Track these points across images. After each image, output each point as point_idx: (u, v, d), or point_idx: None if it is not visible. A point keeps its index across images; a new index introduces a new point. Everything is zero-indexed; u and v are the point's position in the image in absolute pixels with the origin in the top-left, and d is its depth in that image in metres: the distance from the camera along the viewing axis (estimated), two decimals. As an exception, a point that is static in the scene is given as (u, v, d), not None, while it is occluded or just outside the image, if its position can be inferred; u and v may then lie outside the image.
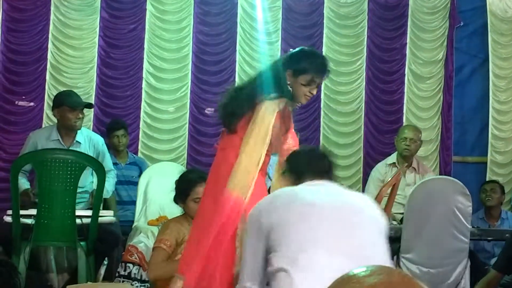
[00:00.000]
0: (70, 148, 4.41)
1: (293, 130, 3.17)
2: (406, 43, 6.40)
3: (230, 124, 2.87)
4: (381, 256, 2.11)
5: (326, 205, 2.17)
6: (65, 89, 5.48)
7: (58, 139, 4.46)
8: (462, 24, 6.43)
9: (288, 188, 2.37)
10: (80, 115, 4.42)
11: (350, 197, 2.30)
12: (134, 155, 5.50)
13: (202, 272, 2.73)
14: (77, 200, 3.97)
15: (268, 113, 2.80)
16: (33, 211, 3.90)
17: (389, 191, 4.25)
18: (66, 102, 4.41)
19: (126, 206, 5.11)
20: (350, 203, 2.25)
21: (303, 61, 2.90)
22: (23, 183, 4.35)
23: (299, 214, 2.15)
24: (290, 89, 2.87)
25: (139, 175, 4.94)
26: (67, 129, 4.45)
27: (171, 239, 3.36)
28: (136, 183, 4.83)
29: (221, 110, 2.96)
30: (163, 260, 3.30)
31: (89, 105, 4.62)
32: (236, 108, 2.87)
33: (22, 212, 3.86)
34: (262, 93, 2.84)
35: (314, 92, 2.96)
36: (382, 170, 5.02)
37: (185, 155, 6.00)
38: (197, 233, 2.83)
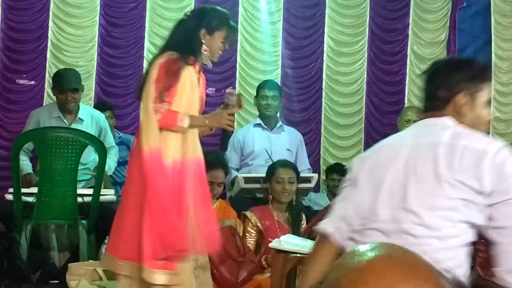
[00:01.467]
0: (72, 125, 4.40)
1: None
2: (408, 24, 6.37)
3: (139, 93, 2.96)
4: None
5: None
6: (65, 67, 5.47)
7: (59, 116, 4.46)
8: (465, 5, 6.39)
9: None
10: (70, 98, 4.38)
11: None
12: (120, 133, 5.43)
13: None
14: (79, 177, 3.97)
15: (153, 67, 2.89)
16: (34, 189, 3.91)
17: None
18: (55, 84, 4.44)
19: (119, 186, 5.10)
20: None
21: (216, 18, 3.02)
22: (26, 166, 4.35)
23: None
24: (205, 47, 2.97)
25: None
26: (62, 108, 4.45)
27: None
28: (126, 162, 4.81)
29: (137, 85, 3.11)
30: None
31: (73, 90, 4.41)
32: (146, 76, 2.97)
33: (23, 190, 3.87)
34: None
35: (227, 47, 3.10)
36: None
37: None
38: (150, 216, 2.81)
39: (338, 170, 5.79)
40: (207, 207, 2.96)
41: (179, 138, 2.90)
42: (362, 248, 0.85)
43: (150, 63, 3.01)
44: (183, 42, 2.97)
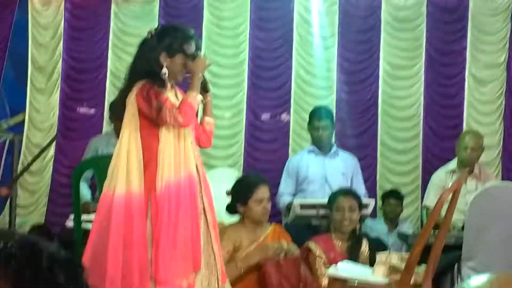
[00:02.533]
0: None
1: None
2: (466, 46, 6.25)
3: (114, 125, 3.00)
4: None
5: None
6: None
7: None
8: (524, 26, 6.25)
9: None
10: None
11: None
12: None
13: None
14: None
15: (128, 103, 2.94)
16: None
17: (449, 197, 4.16)
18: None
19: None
20: None
21: (176, 41, 2.97)
22: (85, 194, 4.44)
23: None
24: (165, 70, 2.94)
25: None
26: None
27: (229, 246, 3.37)
28: None
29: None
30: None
31: None
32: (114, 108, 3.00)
33: (83, 217, 3.94)
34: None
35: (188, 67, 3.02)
36: (443, 176, 4.92)
37: (241, 161, 6.01)
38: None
39: (394, 195, 5.72)
40: (193, 225, 2.94)
41: (172, 157, 2.92)
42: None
43: (121, 101, 3.04)
44: (147, 71, 2.96)
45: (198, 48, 3.08)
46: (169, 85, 3.03)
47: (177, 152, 2.95)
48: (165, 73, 2.96)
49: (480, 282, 0.85)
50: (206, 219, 3.00)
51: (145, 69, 2.97)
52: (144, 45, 3.05)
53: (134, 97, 2.94)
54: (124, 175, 2.89)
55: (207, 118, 3.19)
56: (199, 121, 3.20)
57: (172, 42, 2.99)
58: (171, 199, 2.89)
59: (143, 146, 2.93)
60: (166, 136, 2.94)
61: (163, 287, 2.85)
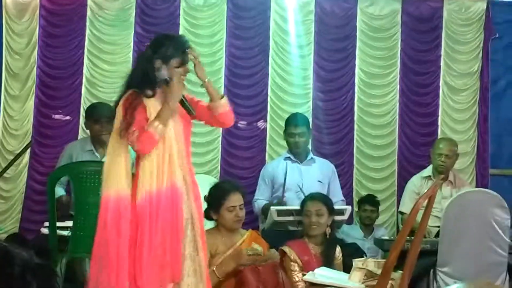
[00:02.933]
0: (104, 159, 4.45)
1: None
2: (440, 55, 6.34)
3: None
4: None
5: None
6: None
7: (92, 150, 4.53)
8: (497, 35, 6.35)
9: None
10: (104, 128, 4.46)
11: None
12: None
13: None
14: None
15: (117, 110, 3.02)
16: (70, 223, 3.95)
17: (425, 203, 4.20)
18: (90, 114, 4.53)
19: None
20: None
21: (170, 47, 3.07)
22: (59, 191, 4.43)
23: None
24: (166, 77, 3.02)
25: None
26: (96, 141, 4.52)
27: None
28: None
29: None
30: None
31: (107, 119, 4.50)
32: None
33: (58, 224, 3.91)
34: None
35: (188, 71, 3.12)
36: (418, 182, 4.97)
37: (218, 168, 6.01)
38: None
39: (370, 201, 5.76)
40: (173, 236, 2.97)
41: (155, 166, 2.98)
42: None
43: (113, 109, 3.12)
44: (141, 78, 3.05)
45: (186, 61, 3.13)
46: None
47: (160, 162, 2.99)
48: (164, 75, 3.03)
49: None
50: (194, 228, 3.02)
51: (139, 78, 3.05)
52: (140, 57, 3.20)
53: (120, 104, 3.02)
54: (115, 179, 2.98)
55: (215, 103, 3.21)
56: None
57: (166, 50, 3.07)
58: (152, 208, 2.92)
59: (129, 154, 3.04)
60: None
61: None
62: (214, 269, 3.37)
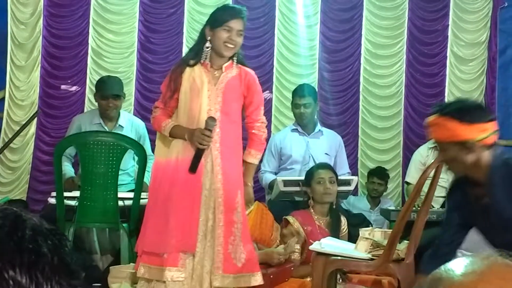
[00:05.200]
0: (112, 130, 4.46)
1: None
2: (448, 25, 6.28)
3: None
4: None
5: None
6: (106, 74, 5.54)
7: (100, 123, 4.53)
8: (506, 5, 6.28)
9: None
10: (111, 104, 4.45)
11: None
12: None
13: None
14: (119, 182, 4.02)
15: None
16: (76, 193, 3.97)
17: (432, 173, 4.19)
18: (98, 89, 4.53)
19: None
20: None
21: (217, 12, 3.17)
22: (69, 170, 4.44)
23: None
24: (209, 45, 3.08)
25: None
26: (104, 115, 4.52)
27: None
28: None
29: None
30: None
31: (115, 96, 4.50)
32: None
33: (65, 194, 3.93)
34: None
35: (235, 39, 3.07)
36: (424, 153, 4.96)
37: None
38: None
39: (379, 174, 5.73)
40: (185, 207, 3.04)
41: (164, 140, 3.19)
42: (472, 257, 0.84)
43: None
44: (192, 46, 3.23)
45: (240, 17, 3.13)
46: (206, 63, 3.12)
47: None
48: (208, 47, 3.09)
49: (460, 263, 0.85)
50: (215, 202, 3.06)
51: (192, 45, 3.24)
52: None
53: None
54: (161, 144, 3.20)
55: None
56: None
57: (215, 15, 3.15)
58: (166, 175, 3.05)
59: None
60: (177, 115, 3.16)
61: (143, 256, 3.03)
62: None
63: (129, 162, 4.51)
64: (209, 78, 3.10)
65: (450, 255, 2.32)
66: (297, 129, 4.94)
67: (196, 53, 3.12)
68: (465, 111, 2.48)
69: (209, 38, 3.09)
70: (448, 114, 2.48)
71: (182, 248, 2.99)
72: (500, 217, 2.51)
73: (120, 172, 4.02)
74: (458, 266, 0.83)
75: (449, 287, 0.80)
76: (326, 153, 4.87)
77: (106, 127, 4.52)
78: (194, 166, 3.01)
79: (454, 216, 2.74)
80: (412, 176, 4.85)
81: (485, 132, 2.46)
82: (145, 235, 3.06)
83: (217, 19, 3.11)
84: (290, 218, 3.87)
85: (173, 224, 2.98)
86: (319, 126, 5.01)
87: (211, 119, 3.04)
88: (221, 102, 3.11)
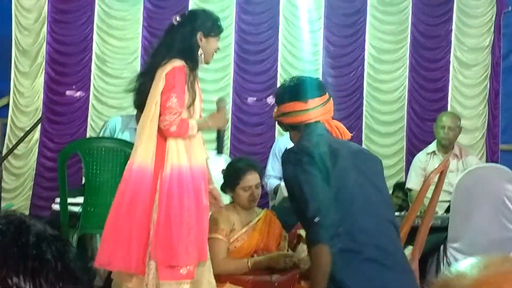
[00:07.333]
0: None
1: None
2: (451, 30, 6.28)
3: (139, 103, 3.04)
4: None
5: None
6: (110, 80, 5.56)
7: (135, 128, 4.51)
8: (510, 9, 6.27)
9: None
10: None
11: None
12: None
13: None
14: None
15: (158, 77, 2.92)
16: (80, 199, 3.96)
17: (436, 178, 4.19)
18: None
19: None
20: None
21: (208, 19, 3.07)
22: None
23: None
24: (201, 51, 3.01)
25: None
26: None
27: (226, 228, 3.34)
28: None
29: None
30: (224, 251, 3.29)
31: None
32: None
33: (69, 200, 3.93)
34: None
35: (220, 48, 3.17)
36: (423, 158, 4.94)
37: (228, 145, 6.01)
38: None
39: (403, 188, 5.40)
40: (199, 215, 2.96)
41: (180, 145, 2.95)
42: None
43: (148, 72, 3.02)
44: (184, 48, 2.99)
45: (221, 32, 3.17)
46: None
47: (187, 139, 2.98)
48: (201, 53, 3.03)
49: (468, 265, 0.84)
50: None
51: (181, 46, 2.99)
52: (175, 28, 3.07)
53: (166, 73, 2.92)
54: (141, 149, 2.92)
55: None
56: None
57: (206, 22, 3.06)
58: (180, 183, 2.90)
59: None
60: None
61: (165, 271, 2.87)
62: (249, 263, 3.36)
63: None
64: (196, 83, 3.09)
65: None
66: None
67: (194, 58, 3.03)
68: None
69: (200, 45, 3.04)
70: None
71: (202, 258, 2.98)
72: None
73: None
74: (470, 267, 0.82)
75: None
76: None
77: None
78: (221, 146, 3.16)
79: None
80: (414, 181, 4.83)
81: None
82: (172, 248, 2.87)
83: (212, 28, 3.07)
84: (302, 232, 3.78)
85: (195, 234, 2.94)
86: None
87: (222, 100, 3.23)
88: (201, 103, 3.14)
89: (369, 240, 2.30)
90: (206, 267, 3.02)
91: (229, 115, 3.26)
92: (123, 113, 5.13)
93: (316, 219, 2.26)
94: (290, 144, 4.83)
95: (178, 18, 3.09)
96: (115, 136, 4.45)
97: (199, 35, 3.02)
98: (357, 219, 2.32)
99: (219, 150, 3.14)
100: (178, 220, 2.87)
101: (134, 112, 4.52)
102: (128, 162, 2.97)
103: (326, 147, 2.42)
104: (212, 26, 3.07)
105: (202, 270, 2.99)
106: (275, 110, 2.67)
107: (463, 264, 0.84)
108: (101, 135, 4.55)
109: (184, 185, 2.91)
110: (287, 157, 2.45)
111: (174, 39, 3.03)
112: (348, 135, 2.66)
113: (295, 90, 2.57)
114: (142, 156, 2.90)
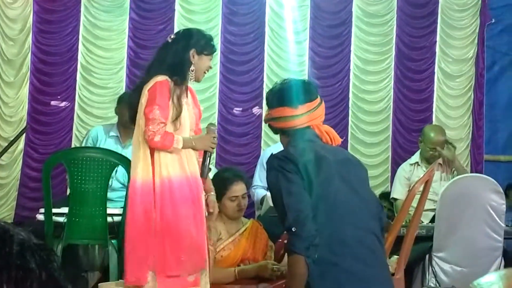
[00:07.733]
0: (127, 146, 4.41)
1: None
2: (435, 41, 6.34)
3: (132, 119, 3.07)
4: None
5: None
6: (95, 90, 5.54)
7: (118, 136, 4.50)
8: (493, 21, 6.34)
9: None
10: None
11: None
12: None
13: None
14: (117, 197, 4.02)
15: (142, 95, 2.97)
16: (65, 209, 3.94)
17: (421, 188, 4.20)
18: (119, 102, 4.52)
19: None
20: None
21: (202, 38, 3.11)
22: None
23: None
24: (193, 67, 3.06)
25: None
26: (123, 127, 4.48)
27: (213, 237, 3.35)
28: None
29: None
30: (211, 260, 3.29)
31: None
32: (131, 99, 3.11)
33: (54, 210, 3.90)
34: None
35: (211, 67, 3.24)
36: (407, 168, 4.96)
37: (214, 154, 6.00)
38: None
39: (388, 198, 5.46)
40: (197, 222, 2.98)
41: (168, 157, 2.98)
42: None
43: (137, 89, 3.07)
44: (172, 64, 3.03)
45: (214, 51, 3.23)
46: (184, 85, 3.08)
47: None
48: (193, 70, 3.06)
49: (492, 279, 0.85)
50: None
51: (171, 62, 3.03)
52: (168, 45, 3.11)
53: (148, 88, 2.96)
54: (139, 163, 2.97)
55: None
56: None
57: (199, 40, 3.09)
58: (173, 193, 2.93)
59: None
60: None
61: (169, 280, 2.90)
62: (236, 272, 3.36)
63: (127, 176, 4.47)
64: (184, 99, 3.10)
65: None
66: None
67: (182, 74, 3.07)
68: None
69: (192, 61, 3.07)
70: None
71: (203, 266, 2.99)
72: None
73: (119, 186, 4.03)
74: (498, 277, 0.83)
75: None
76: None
77: (121, 141, 4.49)
78: (204, 171, 3.10)
79: None
80: (398, 191, 4.85)
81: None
82: (166, 257, 2.92)
83: (205, 46, 3.10)
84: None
85: (194, 242, 2.95)
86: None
87: (212, 124, 3.24)
88: (194, 121, 3.14)
89: (348, 251, 2.28)
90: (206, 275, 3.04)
91: (216, 140, 3.21)
92: (107, 122, 5.12)
93: (293, 229, 2.25)
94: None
95: (172, 36, 3.14)
96: (98, 145, 4.44)
97: (192, 52, 3.06)
98: (336, 229, 2.31)
99: (202, 174, 3.08)
100: (174, 230, 2.90)
101: (115, 120, 4.55)
102: (131, 180, 3.04)
103: (312, 154, 2.41)
104: (205, 44, 3.10)
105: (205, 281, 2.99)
106: (266, 112, 2.66)
107: (489, 277, 0.85)
108: (83, 145, 4.53)
109: (176, 195, 2.93)
110: (271, 163, 2.44)
111: (167, 55, 3.07)
112: (338, 140, 2.64)
113: (285, 95, 2.56)
114: (144, 172, 2.95)
